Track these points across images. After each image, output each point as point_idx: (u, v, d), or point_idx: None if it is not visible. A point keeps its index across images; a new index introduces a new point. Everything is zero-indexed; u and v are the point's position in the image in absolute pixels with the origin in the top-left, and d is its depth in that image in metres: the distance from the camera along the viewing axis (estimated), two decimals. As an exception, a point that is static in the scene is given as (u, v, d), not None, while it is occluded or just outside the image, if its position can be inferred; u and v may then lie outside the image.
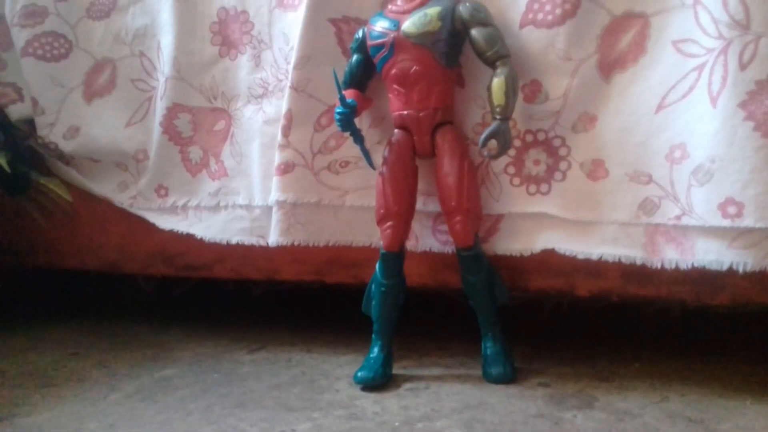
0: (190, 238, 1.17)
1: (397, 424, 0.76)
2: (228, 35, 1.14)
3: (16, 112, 1.26)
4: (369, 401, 0.84)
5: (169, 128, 1.17)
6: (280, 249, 1.08)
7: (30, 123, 1.28)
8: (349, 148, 1.03)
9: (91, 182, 1.25)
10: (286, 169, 1.03)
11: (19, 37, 1.24)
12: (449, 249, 0.98)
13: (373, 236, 1.03)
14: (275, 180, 1.04)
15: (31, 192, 1.28)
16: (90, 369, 1.03)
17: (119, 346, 1.15)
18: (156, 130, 1.18)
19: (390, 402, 0.84)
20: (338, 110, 0.92)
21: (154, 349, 1.13)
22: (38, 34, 1.24)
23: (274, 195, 1.04)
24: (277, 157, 1.04)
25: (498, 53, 0.88)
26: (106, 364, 1.05)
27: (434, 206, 0.98)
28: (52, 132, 1.24)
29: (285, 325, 1.25)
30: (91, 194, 1.27)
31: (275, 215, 1.05)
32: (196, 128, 1.17)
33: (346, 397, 0.86)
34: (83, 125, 1.23)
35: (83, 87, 1.25)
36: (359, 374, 0.90)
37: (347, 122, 0.92)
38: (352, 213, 1.04)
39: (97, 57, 1.24)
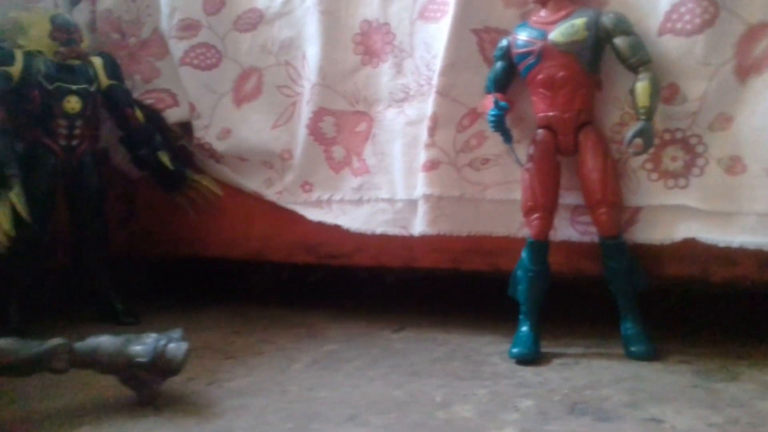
0: (331, 229, 1.29)
1: (566, 391, 0.86)
2: (370, 45, 1.25)
3: (173, 115, 1.40)
4: (529, 373, 0.94)
5: (315, 130, 1.29)
6: (418, 239, 1.19)
7: (182, 125, 1.42)
8: (489, 147, 1.13)
9: (241, 179, 1.38)
10: (431, 166, 1.14)
11: (177, 48, 1.38)
12: (588, 239, 1.07)
13: (512, 227, 1.13)
14: (422, 176, 1.15)
15: (183, 188, 1.42)
16: (258, 344, 1.15)
17: (273, 326, 1.28)
18: (302, 131, 1.30)
19: (549, 374, 0.94)
20: (492, 112, 1.02)
21: (305, 329, 1.25)
22: (193, 45, 1.38)
23: (421, 190, 1.15)
24: (423, 156, 1.15)
25: (641, 59, 0.97)
26: (270, 341, 1.17)
27: (572, 199, 1.08)
28: (207, 134, 1.37)
29: (416, 308, 1.36)
30: (236, 190, 1.40)
31: (422, 208, 1.15)
32: (340, 130, 1.28)
33: (506, 369, 0.97)
34: (234, 127, 1.37)
35: (232, 93, 1.38)
36: (514, 350, 1.00)
37: (500, 123, 1.02)
38: (492, 206, 1.14)
39: (244, 66, 1.38)
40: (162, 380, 0.86)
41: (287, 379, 0.96)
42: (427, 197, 1.14)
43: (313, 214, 1.30)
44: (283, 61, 1.34)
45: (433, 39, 1.17)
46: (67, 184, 1.29)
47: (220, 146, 1.37)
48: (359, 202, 1.26)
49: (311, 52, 1.29)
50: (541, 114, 1.05)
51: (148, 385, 0.85)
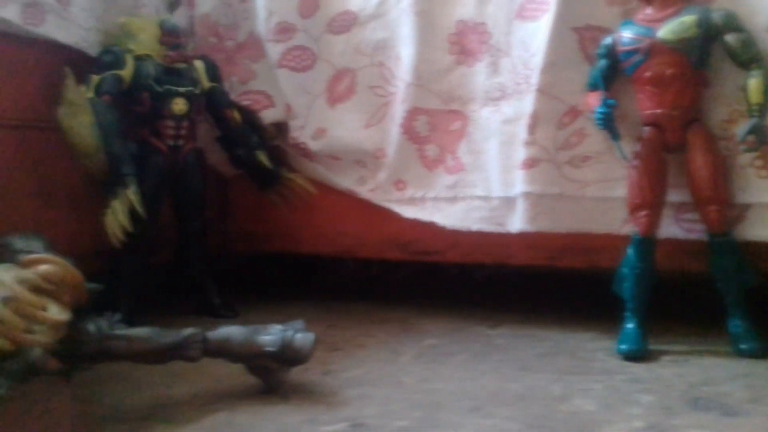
0: (423, 226, 1.31)
1: (683, 387, 0.86)
2: (466, 45, 1.27)
3: (269, 116, 1.45)
4: (640, 369, 0.95)
5: (409, 129, 1.32)
6: (515, 236, 1.21)
7: (276, 125, 1.47)
8: (590, 144, 1.14)
9: (335, 177, 1.41)
10: (531, 163, 1.16)
11: (274, 51, 1.42)
12: (694, 236, 1.07)
13: (613, 224, 1.13)
14: (521, 173, 1.16)
15: (277, 186, 1.47)
16: (358, 338, 1.19)
17: (366, 321, 1.31)
18: (395, 131, 1.33)
19: (661, 371, 0.94)
20: (600, 110, 1.03)
21: (400, 323, 1.28)
22: (290, 48, 1.42)
23: (520, 187, 1.16)
24: (523, 153, 1.16)
25: (754, 56, 0.97)
26: (369, 335, 1.20)
27: (676, 197, 1.08)
28: (302, 133, 1.41)
29: (507, 305, 1.38)
30: (328, 188, 1.44)
31: (521, 205, 1.17)
32: (433, 128, 1.31)
33: (616, 365, 0.97)
34: (328, 127, 1.40)
35: (326, 94, 1.42)
36: (622, 347, 1.01)
37: (608, 120, 1.03)
38: (592, 203, 1.15)
39: (337, 67, 1.41)
40: (288, 369, 0.90)
41: (398, 371, 0.99)
42: (526, 195, 1.16)
43: (408, 212, 1.32)
44: (377, 62, 1.37)
45: (531, 38, 1.19)
46: (171, 182, 1.34)
47: (314, 145, 1.41)
48: (454, 199, 1.28)
49: (405, 53, 1.32)
50: (648, 111, 1.05)
51: (274, 373, 0.89)
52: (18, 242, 0.96)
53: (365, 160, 1.39)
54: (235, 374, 0.92)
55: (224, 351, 0.88)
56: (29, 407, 0.67)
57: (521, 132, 1.18)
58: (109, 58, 1.25)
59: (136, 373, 0.97)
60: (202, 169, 1.41)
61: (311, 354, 0.88)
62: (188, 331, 0.87)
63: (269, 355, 0.88)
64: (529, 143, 1.16)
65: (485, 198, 1.24)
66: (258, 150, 1.42)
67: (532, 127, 1.15)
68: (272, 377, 0.90)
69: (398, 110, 1.33)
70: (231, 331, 0.88)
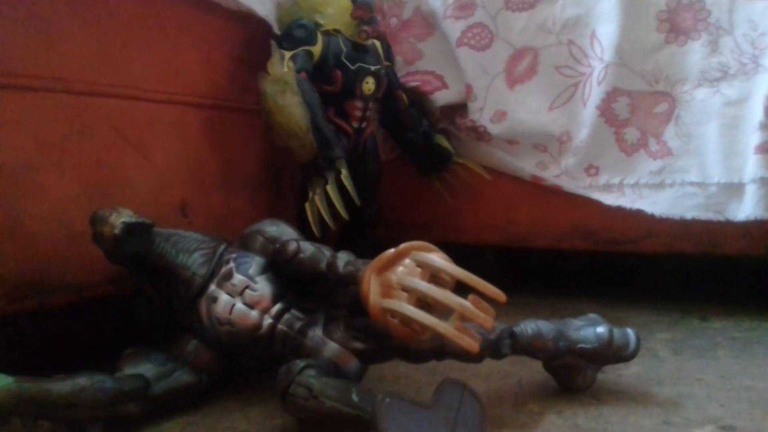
0: (613, 213, 1.25)
1: None
2: (677, 23, 1.21)
3: (441, 98, 1.37)
4: None
5: (606, 111, 1.25)
6: (725, 224, 1.16)
7: (444, 108, 1.39)
8: (831, 128, 1.08)
9: (514, 162, 1.34)
10: (768, 148, 1.10)
11: (454, 28, 1.34)
12: None
13: None
14: (755, 158, 1.10)
15: (443, 172, 1.39)
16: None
17: (559, 314, 1.24)
18: (589, 113, 1.26)
19: None
20: None
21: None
22: (470, 25, 1.34)
23: (757, 173, 1.10)
24: (757, 137, 1.10)
25: None
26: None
27: None
28: (482, 116, 1.33)
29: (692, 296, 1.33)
30: (496, 174, 1.37)
31: (754, 192, 1.11)
32: (634, 111, 1.24)
33: None
34: (509, 109, 1.33)
35: (505, 74, 1.34)
36: None
37: None
38: (834, 189, 1.09)
39: (516, 46, 1.33)
40: (600, 368, 0.83)
41: (680, 368, 0.93)
42: (763, 180, 1.10)
43: (607, 199, 1.26)
44: (566, 41, 1.30)
45: (760, 17, 1.13)
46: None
47: (494, 129, 1.33)
48: (660, 185, 1.22)
49: (605, 31, 1.25)
50: None
51: (581, 372, 0.82)
52: (270, 228, 0.87)
53: (547, 143, 1.32)
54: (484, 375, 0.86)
55: (532, 348, 0.80)
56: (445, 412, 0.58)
57: (749, 114, 1.12)
58: (300, 33, 1.15)
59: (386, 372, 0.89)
60: (378, 153, 1.32)
61: (637, 352, 0.80)
62: (500, 326, 0.79)
63: (583, 352, 0.80)
64: (766, 126, 1.10)
65: (701, 184, 1.18)
66: (432, 133, 1.34)
67: (770, 109, 1.09)
68: (578, 376, 0.82)
69: (595, 92, 1.26)
70: (540, 326, 0.81)
